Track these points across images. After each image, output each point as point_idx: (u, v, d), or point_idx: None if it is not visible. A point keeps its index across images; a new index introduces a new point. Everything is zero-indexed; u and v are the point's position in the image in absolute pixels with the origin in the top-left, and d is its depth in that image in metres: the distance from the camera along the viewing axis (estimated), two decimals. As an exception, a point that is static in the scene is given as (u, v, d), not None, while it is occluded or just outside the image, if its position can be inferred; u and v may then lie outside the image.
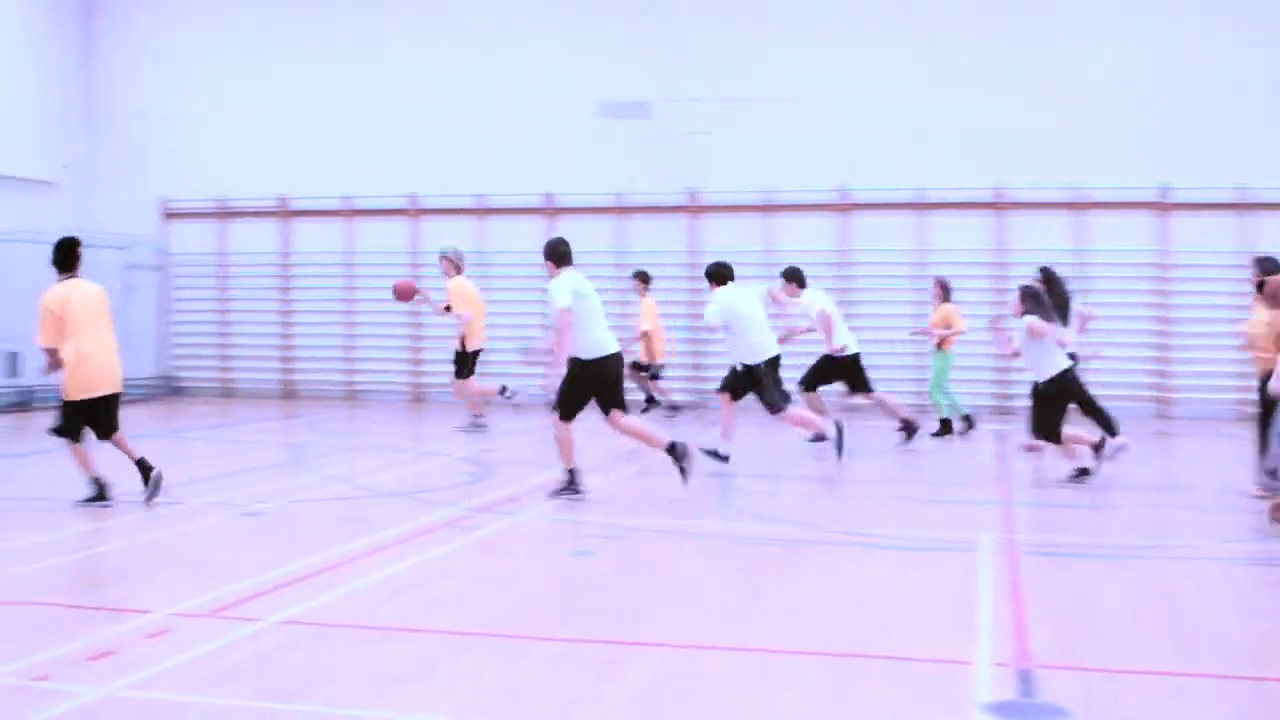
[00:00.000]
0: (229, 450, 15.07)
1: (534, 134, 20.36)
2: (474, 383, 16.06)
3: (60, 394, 10.54)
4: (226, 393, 21.65)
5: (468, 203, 20.74)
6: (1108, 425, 12.04)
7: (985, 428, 16.03)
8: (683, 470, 11.04)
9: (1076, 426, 12.15)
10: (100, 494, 10.42)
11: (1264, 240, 17.03)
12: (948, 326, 15.61)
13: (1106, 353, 16.41)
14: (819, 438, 13.35)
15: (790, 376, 13.31)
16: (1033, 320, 11.77)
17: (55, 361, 10.42)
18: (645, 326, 17.29)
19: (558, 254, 11.15)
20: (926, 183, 19.00)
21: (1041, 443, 12.32)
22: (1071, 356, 12.17)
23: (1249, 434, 12.25)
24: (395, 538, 9.24)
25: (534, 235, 18.95)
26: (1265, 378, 10.26)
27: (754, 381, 12.57)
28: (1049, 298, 12.26)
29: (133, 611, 6.99)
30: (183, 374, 22.29)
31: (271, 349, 21.68)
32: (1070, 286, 13.42)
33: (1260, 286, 10.71)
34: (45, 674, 5.88)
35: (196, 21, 22.14)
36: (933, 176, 18.96)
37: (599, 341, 10.92)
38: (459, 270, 15.97)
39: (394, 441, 15.97)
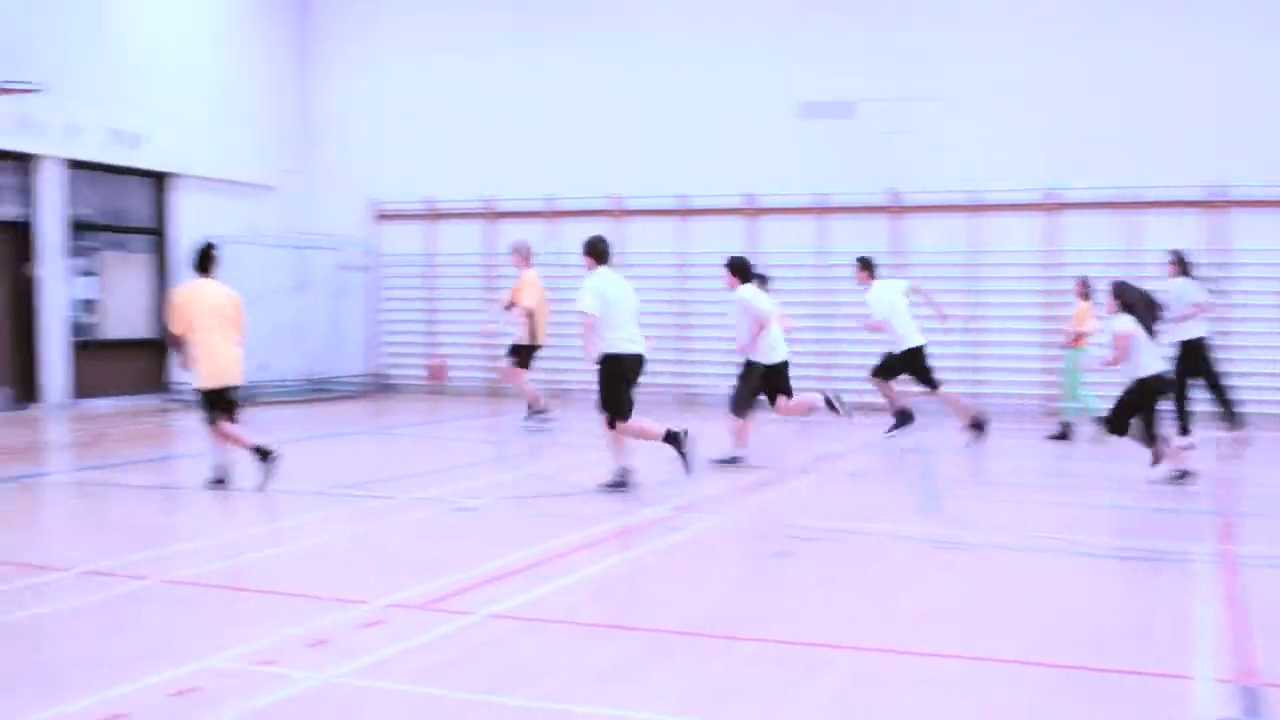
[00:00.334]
0: (436, 447, 15.44)
1: (734, 135, 20.37)
2: (525, 376, 16.24)
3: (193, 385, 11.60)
4: (435, 390, 22.17)
5: (669, 204, 20.86)
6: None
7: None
8: (684, 457, 11.44)
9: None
10: (222, 479, 11.38)
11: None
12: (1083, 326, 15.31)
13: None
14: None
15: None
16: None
17: (180, 349, 11.40)
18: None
19: (597, 251, 11.41)
20: (1138, 180, 18.44)
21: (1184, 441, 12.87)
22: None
23: None
24: (601, 535, 9.36)
25: (734, 236, 18.96)
26: None
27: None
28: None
29: (350, 601, 7.21)
30: (392, 371, 22.90)
31: (477, 346, 22.13)
32: None
33: None
34: (270, 658, 6.11)
35: (404, 23, 22.75)
36: (1145, 174, 18.40)
37: (627, 341, 11.20)
38: (529, 264, 16.33)
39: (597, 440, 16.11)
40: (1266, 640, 6.56)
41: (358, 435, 16.54)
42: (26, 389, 18.54)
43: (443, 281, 22.56)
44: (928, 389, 14.74)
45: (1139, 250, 18.33)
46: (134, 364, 20.07)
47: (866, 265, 14.98)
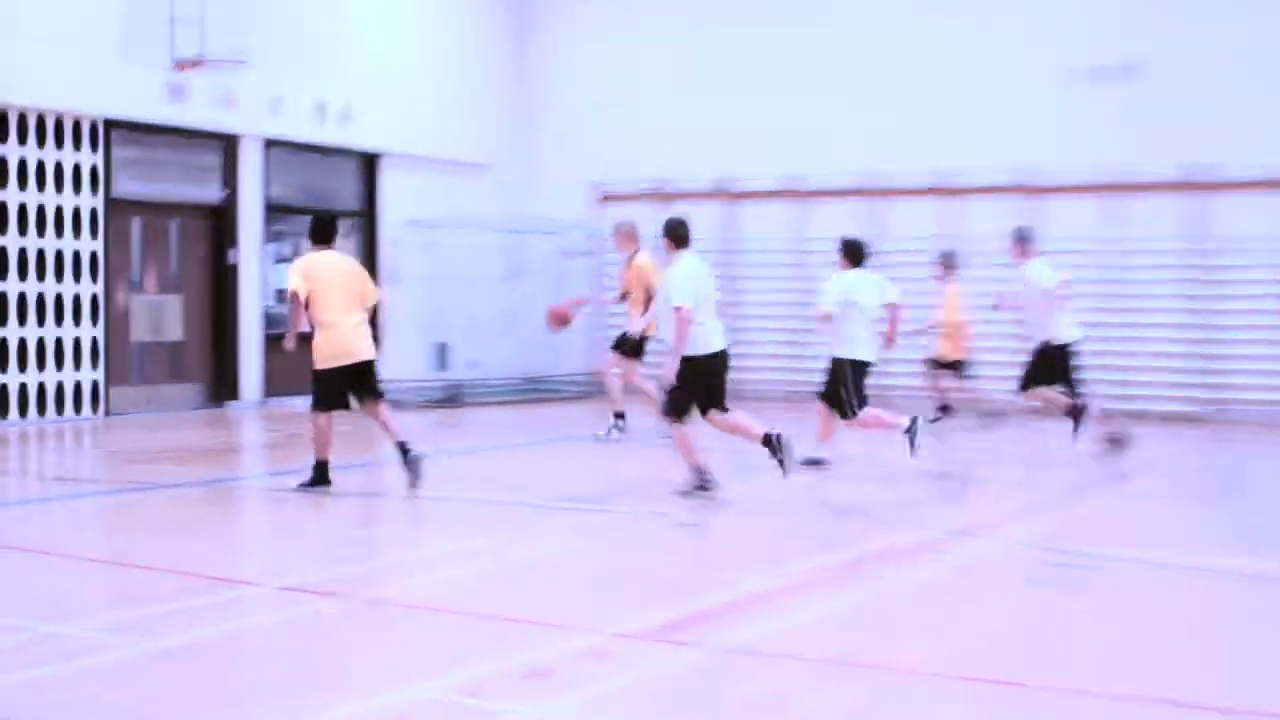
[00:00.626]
0: (647, 454, 15.00)
1: (1002, 105, 19.84)
2: (638, 373, 15.76)
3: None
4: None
5: (926, 181, 20.40)
6: None
7: None
8: (781, 463, 11.14)
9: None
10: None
11: None
12: None
13: None
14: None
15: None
16: None
17: (298, 320, 11.26)
18: (950, 318, 16.68)
19: (677, 235, 11.22)
20: None
21: None
22: None
23: None
24: (853, 559, 9.13)
25: (1007, 216, 18.40)
26: None
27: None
28: None
29: (566, 627, 7.09)
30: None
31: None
32: None
33: None
34: (476, 689, 6.00)
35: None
36: None
37: (707, 337, 11.01)
38: (636, 245, 15.76)
39: (848, 450, 15.74)
40: None
41: (575, 442, 16.37)
42: (219, 386, 19.14)
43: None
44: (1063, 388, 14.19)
45: None
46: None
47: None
